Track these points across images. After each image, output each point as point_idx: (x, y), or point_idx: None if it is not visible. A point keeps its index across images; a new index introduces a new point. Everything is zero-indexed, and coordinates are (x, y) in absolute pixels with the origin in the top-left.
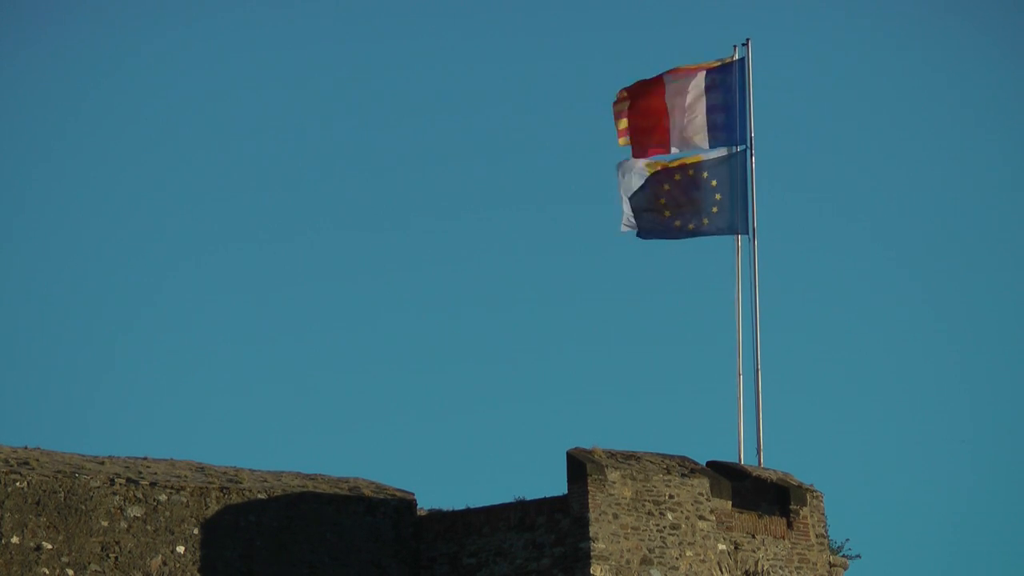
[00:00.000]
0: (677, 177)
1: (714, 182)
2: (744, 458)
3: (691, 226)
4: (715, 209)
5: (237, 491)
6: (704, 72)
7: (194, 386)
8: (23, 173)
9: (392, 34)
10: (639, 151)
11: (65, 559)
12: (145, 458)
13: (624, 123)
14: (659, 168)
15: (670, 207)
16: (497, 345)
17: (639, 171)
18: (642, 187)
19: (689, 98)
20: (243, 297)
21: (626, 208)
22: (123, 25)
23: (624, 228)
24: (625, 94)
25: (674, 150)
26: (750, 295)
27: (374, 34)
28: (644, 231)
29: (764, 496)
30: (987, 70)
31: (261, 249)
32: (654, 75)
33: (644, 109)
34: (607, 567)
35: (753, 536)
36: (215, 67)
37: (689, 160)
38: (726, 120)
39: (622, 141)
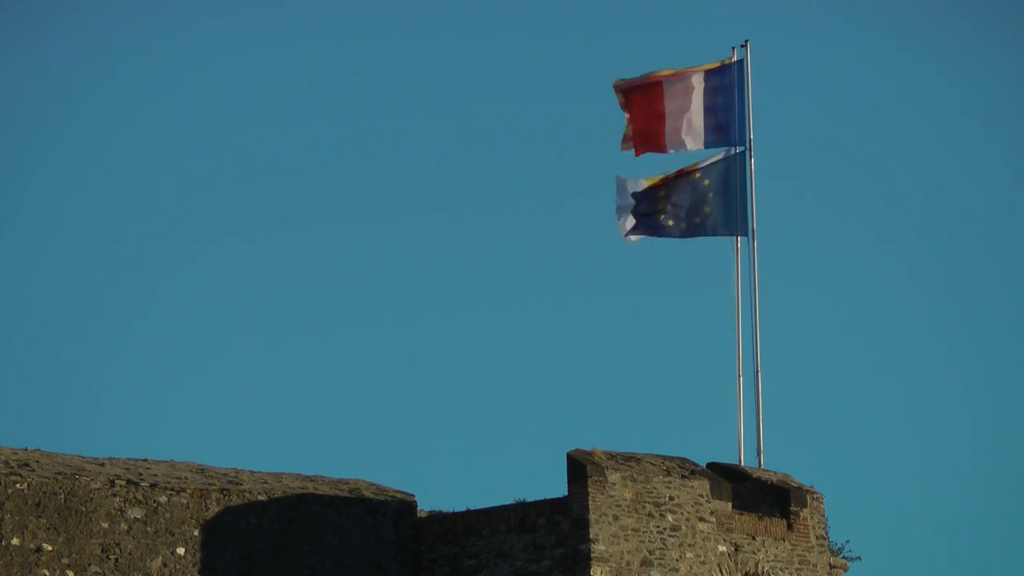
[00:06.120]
0: (673, 177)
1: (707, 181)
2: (744, 459)
3: (683, 226)
4: (707, 209)
5: (237, 493)
6: (703, 74)
7: (194, 386)
8: (22, 173)
9: (390, 32)
10: (639, 149)
11: (65, 560)
12: (145, 459)
13: (629, 129)
14: (658, 181)
15: (661, 202)
16: (497, 346)
17: (636, 185)
18: (641, 197)
19: (687, 100)
20: (243, 297)
21: (623, 221)
22: (120, 22)
23: (625, 239)
24: (624, 86)
25: (670, 151)
26: (750, 295)
27: (371, 31)
28: (636, 230)
29: (764, 498)
30: (987, 70)
31: (261, 249)
32: (653, 74)
33: (643, 113)
34: (607, 569)
35: (753, 538)
36: (209, 64)
37: (687, 168)
38: (724, 121)
39: (625, 147)
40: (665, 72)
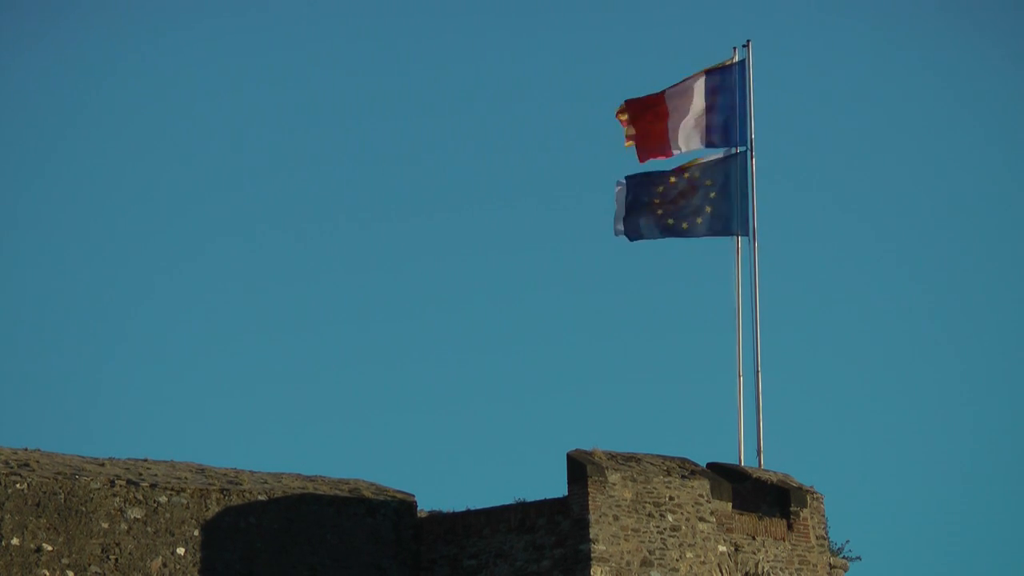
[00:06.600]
0: (672, 180)
1: (708, 182)
2: (744, 459)
3: (684, 225)
4: (709, 208)
5: (237, 493)
6: (704, 76)
7: (194, 386)
8: (22, 173)
9: (389, 32)
10: (642, 156)
11: (65, 561)
12: (145, 460)
13: (631, 130)
14: (658, 182)
15: (663, 206)
16: (497, 346)
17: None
18: (636, 189)
19: (688, 101)
20: (243, 297)
21: (620, 213)
22: (121, 22)
23: (618, 232)
24: (625, 107)
25: (675, 153)
26: (750, 295)
27: (371, 31)
28: (636, 232)
29: (764, 498)
30: (987, 70)
31: (261, 248)
32: (657, 91)
33: (648, 119)
34: (607, 569)
35: (753, 538)
36: (210, 63)
37: (687, 165)
38: (726, 121)
39: (628, 144)
40: (668, 89)
